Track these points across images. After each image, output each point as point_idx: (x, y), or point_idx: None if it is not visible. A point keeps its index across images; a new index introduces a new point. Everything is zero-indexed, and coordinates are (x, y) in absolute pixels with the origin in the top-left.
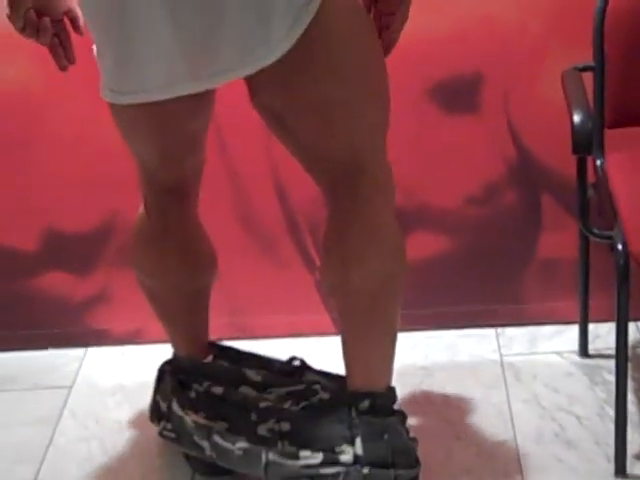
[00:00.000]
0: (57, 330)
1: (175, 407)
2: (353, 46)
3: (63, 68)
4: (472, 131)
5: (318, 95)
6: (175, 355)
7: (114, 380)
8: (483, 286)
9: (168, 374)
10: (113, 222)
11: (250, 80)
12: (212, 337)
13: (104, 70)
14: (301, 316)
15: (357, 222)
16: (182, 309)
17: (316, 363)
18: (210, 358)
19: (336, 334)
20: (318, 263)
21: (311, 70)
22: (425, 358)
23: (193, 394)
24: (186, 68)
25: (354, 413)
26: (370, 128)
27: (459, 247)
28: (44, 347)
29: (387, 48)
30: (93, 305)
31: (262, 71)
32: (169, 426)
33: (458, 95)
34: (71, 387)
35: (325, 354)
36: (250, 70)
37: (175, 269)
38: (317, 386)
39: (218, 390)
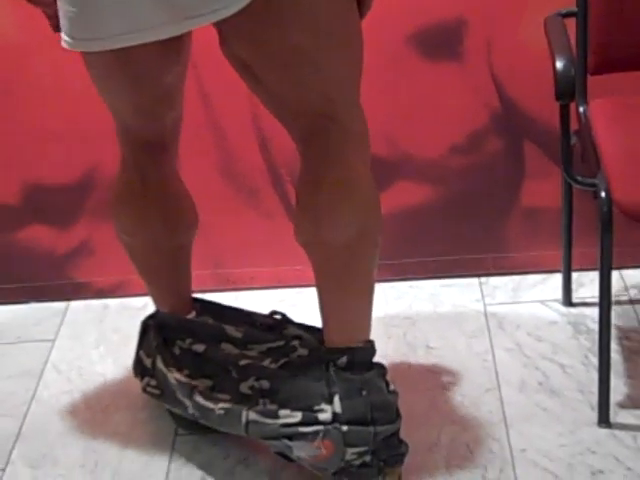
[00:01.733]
0: (39, 283)
1: (159, 364)
2: None
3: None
4: (455, 79)
5: (284, 44)
6: (158, 311)
7: (97, 333)
8: (466, 235)
9: (152, 329)
10: (95, 174)
11: (219, 28)
12: (195, 288)
13: (62, 14)
14: (284, 267)
15: (328, 174)
16: (163, 266)
17: (299, 315)
18: (193, 314)
19: None
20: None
21: (277, 18)
22: (409, 308)
23: (177, 350)
24: (151, 13)
25: (332, 370)
26: (340, 77)
27: (442, 197)
28: (26, 301)
29: None
30: (75, 258)
31: (229, 19)
32: (153, 382)
33: (440, 42)
34: (54, 340)
35: (308, 305)
36: (215, 17)
37: (154, 226)
38: (296, 342)
39: (200, 347)
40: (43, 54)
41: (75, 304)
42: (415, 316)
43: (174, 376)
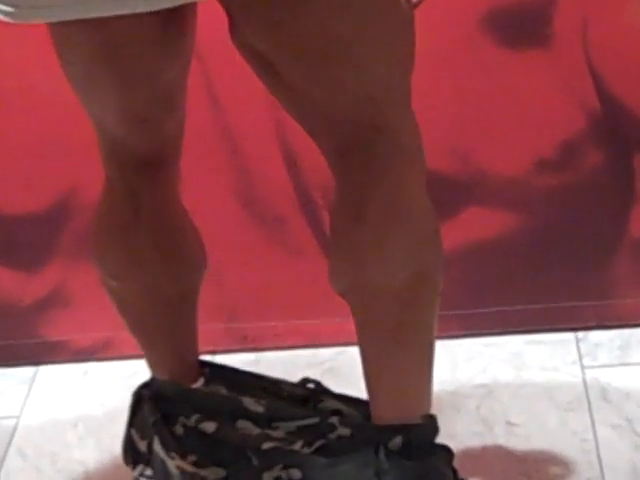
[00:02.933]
0: (0, 342)
1: (157, 447)
2: None
3: None
4: (542, 72)
5: (316, 32)
6: (154, 379)
7: (74, 408)
8: (559, 277)
9: (147, 402)
10: (71, 200)
11: (228, 9)
12: (204, 349)
13: None
14: (319, 320)
15: (373, 200)
16: (161, 320)
17: (339, 383)
18: (201, 382)
19: None
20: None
21: None
22: (483, 372)
23: (180, 430)
24: None
25: (382, 454)
26: (386, 76)
27: (526, 226)
28: None
29: None
30: (46, 309)
31: None
32: (148, 472)
33: (523, 25)
34: (19, 417)
35: (351, 370)
36: None
37: (150, 268)
38: (334, 419)
39: (210, 426)
40: (8, 51)
41: (46, 369)
42: (492, 383)
43: (176, 464)
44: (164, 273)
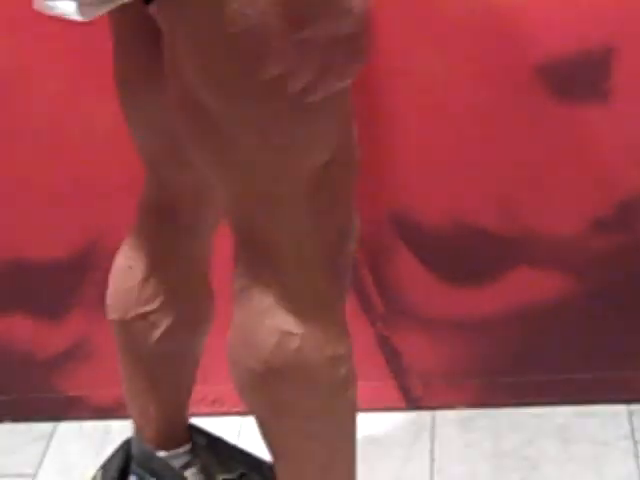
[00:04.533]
0: (16, 396)
1: None
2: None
3: None
4: (599, 126)
5: (183, 92)
6: (134, 435)
7: (94, 467)
8: (611, 345)
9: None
10: (95, 249)
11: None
12: (231, 409)
13: None
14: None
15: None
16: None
17: (379, 448)
18: (186, 448)
19: (403, 408)
20: (380, 310)
21: (170, 38)
22: (529, 444)
23: None
24: None
25: None
26: (272, 169)
27: (577, 290)
28: None
29: None
30: (66, 362)
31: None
32: None
33: (579, 77)
34: (34, 476)
35: (388, 435)
36: None
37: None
38: None
39: None
40: (34, 86)
41: (65, 426)
42: (537, 456)
43: None
44: (168, 329)
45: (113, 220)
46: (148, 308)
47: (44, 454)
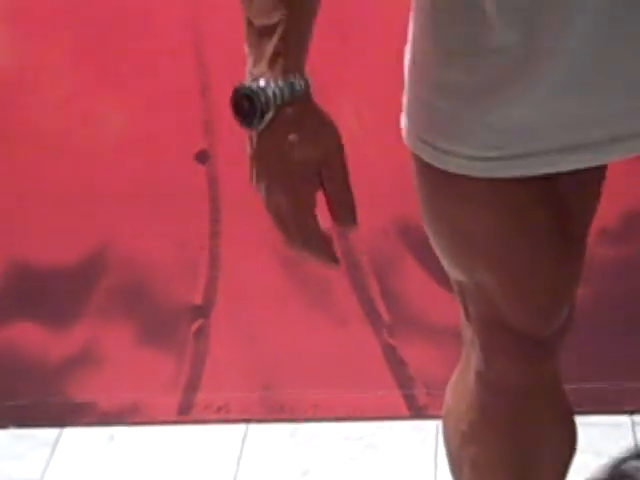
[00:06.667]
0: (23, 401)
1: None
2: None
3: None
4: None
5: None
6: None
7: (99, 474)
8: (613, 355)
9: None
10: (103, 256)
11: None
12: (237, 416)
13: (443, 113)
14: (360, 392)
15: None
16: None
17: (380, 459)
18: None
19: (408, 417)
20: (386, 319)
21: None
22: None
23: None
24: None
25: None
26: None
27: (582, 300)
28: (4, 425)
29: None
30: (73, 368)
31: None
32: None
33: None
34: None
35: (392, 445)
36: None
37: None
38: None
39: None
40: (43, 91)
41: (70, 432)
42: None
43: None
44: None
45: (121, 227)
46: None
47: (49, 460)
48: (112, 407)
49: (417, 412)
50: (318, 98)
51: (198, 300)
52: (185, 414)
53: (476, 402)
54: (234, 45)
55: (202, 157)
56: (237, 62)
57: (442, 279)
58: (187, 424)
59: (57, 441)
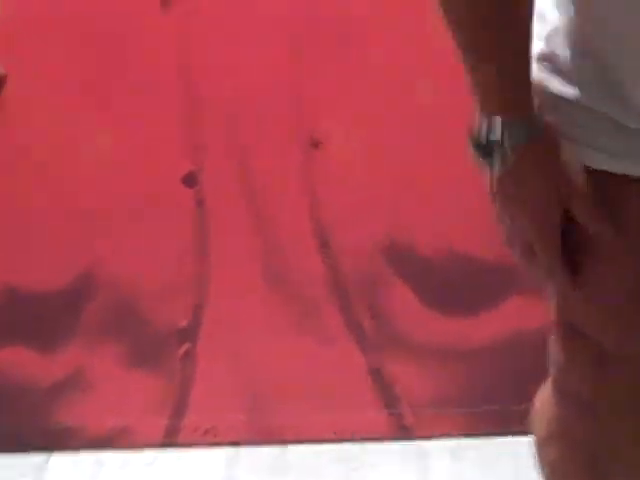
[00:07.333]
0: (9, 427)
1: None
2: None
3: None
4: None
5: None
6: None
7: None
8: None
9: None
10: (92, 279)
11: None
12: (225, 439)
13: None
14: (347, 413)
15: None
16: None
17: (368, 476)
18: None
19: (395, 438)
20: (372, 339)
21: None
22: (517, 474)
23: None
24: None
25: None
26: None
27: None
28: None
29: None
30: (62, 392)
31: None
32: None
33: None
34: None
35: (377, 467)
36: None
37: None
38: None
39: None
40: (29, 115)
41: (58, 459)
42: None
43: None
44: None
45: (109, 251)
46: None
47: None
48: (100, 431)
49: (403, 432)
50: (309, 115)
51: (185, 323)
52: (173, 437)
53: None
54: (222, 67)
55: (189, 180)
56: (225, 84)
57: (427, 299)
58: (175, 447)
59: (43, 467)
